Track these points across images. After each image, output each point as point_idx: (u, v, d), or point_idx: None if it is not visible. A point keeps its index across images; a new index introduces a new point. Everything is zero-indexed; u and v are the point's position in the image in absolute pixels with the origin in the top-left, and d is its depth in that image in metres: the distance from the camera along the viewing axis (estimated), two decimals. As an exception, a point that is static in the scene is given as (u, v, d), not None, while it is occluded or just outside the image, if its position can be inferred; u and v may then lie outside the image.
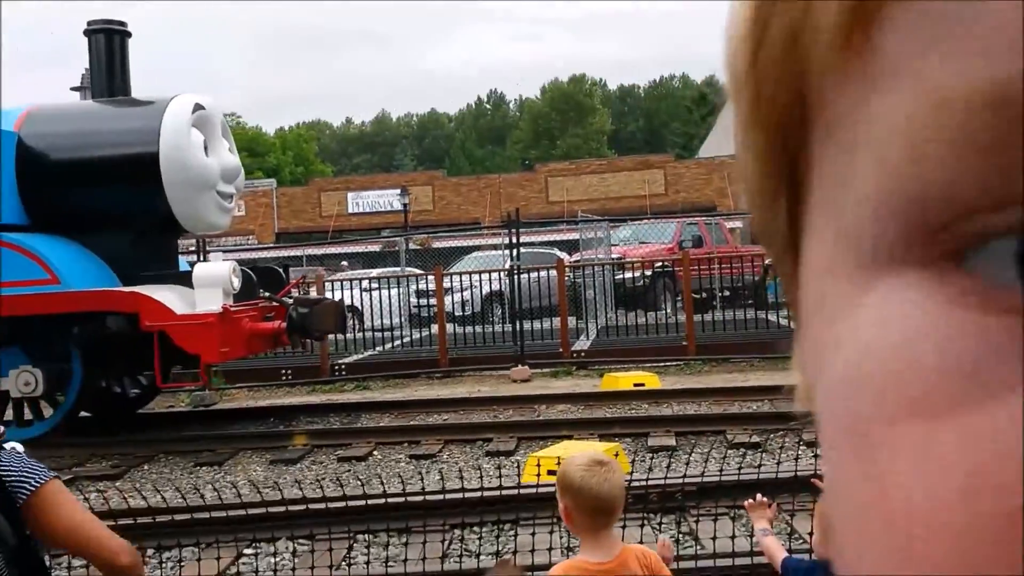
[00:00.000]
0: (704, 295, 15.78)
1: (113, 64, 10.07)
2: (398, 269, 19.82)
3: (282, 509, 6.07)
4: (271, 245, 29.96)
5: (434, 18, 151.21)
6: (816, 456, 6.77)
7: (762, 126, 0.27)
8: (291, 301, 9.98)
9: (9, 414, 9.62)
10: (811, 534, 3.52)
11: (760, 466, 6.50)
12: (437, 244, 25.93)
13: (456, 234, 26.04)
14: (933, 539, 0.21)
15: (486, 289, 16.44)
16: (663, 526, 5.69)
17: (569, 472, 2.55)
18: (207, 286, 9.09)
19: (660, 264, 17.00)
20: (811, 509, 4.53)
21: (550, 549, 5.07)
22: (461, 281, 16.16)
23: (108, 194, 9.52)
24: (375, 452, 8.73)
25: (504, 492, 6.02)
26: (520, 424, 9.27)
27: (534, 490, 5.78)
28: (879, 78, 0.22)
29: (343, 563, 5.58)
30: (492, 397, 11.13)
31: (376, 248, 28.55)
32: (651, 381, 11.39)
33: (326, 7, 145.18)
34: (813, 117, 0.25)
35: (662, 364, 13.16)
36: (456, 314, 15.77)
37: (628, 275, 16.62)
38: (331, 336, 12.51)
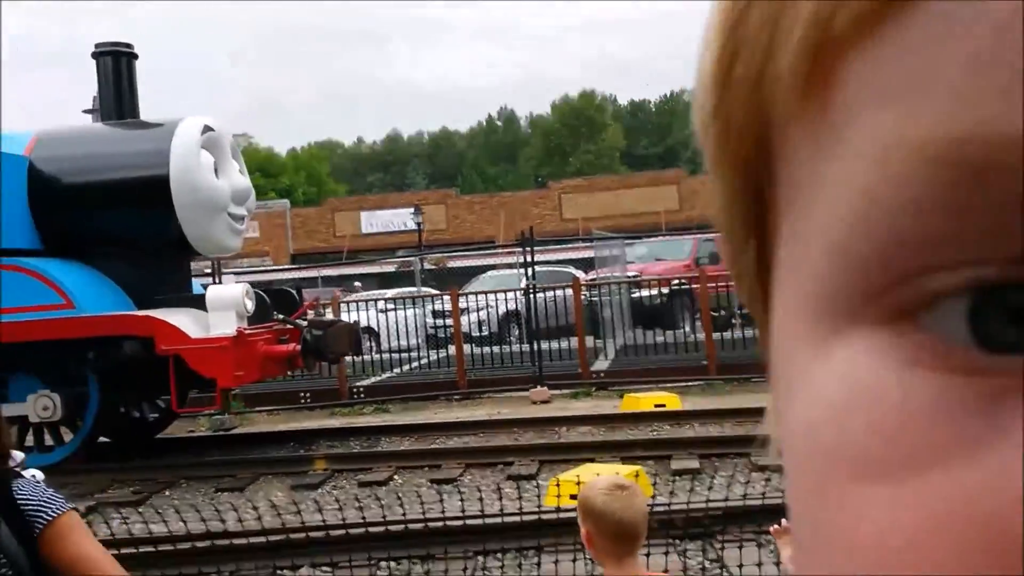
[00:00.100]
0: (723, 313, 15.60)
1: (121, 86, 10.05)
2: (414, 289, 19.75)
3: (302, 536, 5.95)
4: (286, 267, 29.97)
5: (441, 33, 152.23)
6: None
7: (729, 167, 0.26)
8: (305, 323, 9.90)
9: (29, 440, 9.57)
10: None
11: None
12: (452, 263, 25.87)
13: (471, 253, 25.97)
14: None
15: (502, 309, 16.31)
16: (688, 552, 5.54)
17: (590, 496, 2.49)
18: (221, 309, 9.02)
19: (677, 281, 16.84)
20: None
21: (574, 577, 4.93)
22: (477, 301, 16.01)
23: (120, 217, 9.48)
24: (396, 476, 8.63)
25: (525, 518, 5.88)
26: (541, 447, 9.14)
27: (555, 515, 5.65)
28: (835, 131, 0.22)
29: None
30: (512, 419, 11.00)
31: (391, 268, 28.54)
32: (672, 402, 11.23)
33: (331, 20, 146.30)
34: (778, 165, 0.25)
35: (683, 384, 12.98)
36: (473, 335, 15.65)
37: (645, 293, 16.48)
38: (348, 358, 12.43)
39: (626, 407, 11.34)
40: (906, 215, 0.20)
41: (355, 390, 13.82)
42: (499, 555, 5.79)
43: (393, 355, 15.53)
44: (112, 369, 9.22)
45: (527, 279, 15.11)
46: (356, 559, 5.54)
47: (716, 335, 13.98)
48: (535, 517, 5.81)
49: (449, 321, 14.99)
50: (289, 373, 11.20)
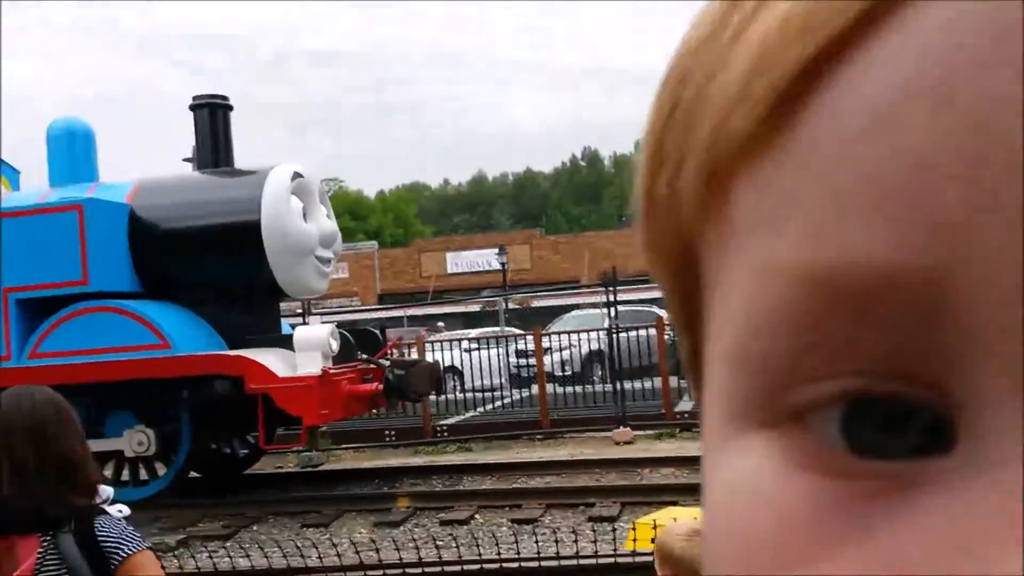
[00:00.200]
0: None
1: (217, 137, 10.50)
2: (498, 329, 19.86)
3: (379, 573, 6.03)
4: (373, 307, 30.48)
5: (523, 75, 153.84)
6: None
7: (661, 269, 0.27)
8: (387, 363, 10.07)
9: (125, 475, 9.94)
10: None
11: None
12: (536, 303, 25.95)
13: (554, 293, 26.02)
14: None
15: (586, 348, 16.27)
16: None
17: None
18: (307, 349, 9.26)
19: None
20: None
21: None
22: (560, 341, 16.02)
23: (214, 261, 9.85)
24: (477, 515, 8.66)
25: (600, 560, 5.85)
26: (623, 488, 9.09)
27: (631, 558, 5.60)
28: (729, 248, 0.23)
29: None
30: (594, 460, 10.95)
31: (476, 308, 28.75)
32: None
33: (416, 70, 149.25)
34: (700, 271, 0.26)
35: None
36: (556, 374, 15.64)
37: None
38: (432, 397, 12.56)
39: (710, 448, 11.15)
40: (778, 333, 0.21)
41: (439, 429, 13.93)
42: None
43: (477, 394, 15.63)
44: (204, 407, 9.53)
45: (610, 319, 15.07)
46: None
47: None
48: (611, 560, 5.78)
49: (532, 361, 15.03)
50: (374, 411, 11.38)
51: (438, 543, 7.19)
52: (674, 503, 8.09)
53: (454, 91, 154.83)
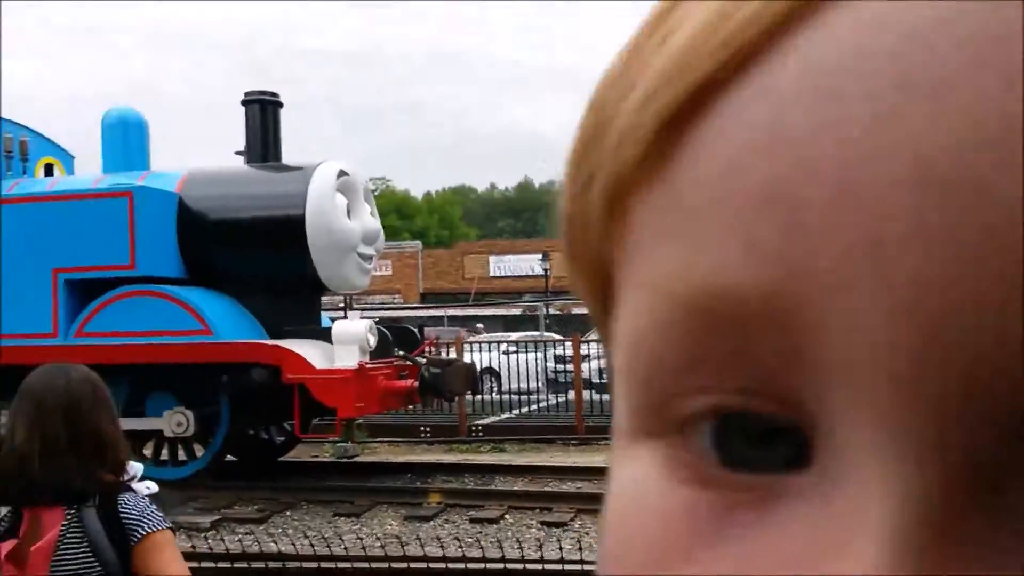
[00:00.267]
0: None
1: (267, 132, 10.67)
2: (537, 333, 19.88)
3: (404, 566, 6.09)
4: (414, 305, 30.66)
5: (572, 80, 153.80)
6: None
7: (580, 277, 0.28)
8: (424, 361, 10.15)
9: (164, 455, 10.17)
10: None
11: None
12: (576, 310, 25.93)
13: (596, 300, 25.93)
14: None
15: (624, 356, 16.21)
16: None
17: None
18: (345, 343, 9.37)
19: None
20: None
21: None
22: (599, 348, 15.99)
23: (258, 252, 10.01)
24: (507, 516, 8.69)
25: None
26: (653, 496, 9.04)
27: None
28: (625, 265, 0.24)
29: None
30: (626, 466, 10.91)
31: (517, 312, 28.80)
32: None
33: (468, 72, 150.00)
34: (611, 285, 0.26)
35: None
36: (593, 381, 15.64)
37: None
38: (469, 396, 12.62)
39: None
40: (657, 350, 0.22)
41: (474, 428, 13.99)
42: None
43: (513, 396, 15.65)
44: (242, 393, 9.68)
45: (649, 327, 15.02)
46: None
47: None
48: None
49: (570, 366, 15.03)
50: (410, 407, 11.46)
51: (463, 542, 7.23)
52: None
53: (505, 93, 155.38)
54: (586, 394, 14.61)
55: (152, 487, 2.39)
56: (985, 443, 0.18)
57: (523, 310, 28.59)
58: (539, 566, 6.02)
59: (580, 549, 6.19)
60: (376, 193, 11.30)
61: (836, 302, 0.19)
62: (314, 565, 6.09)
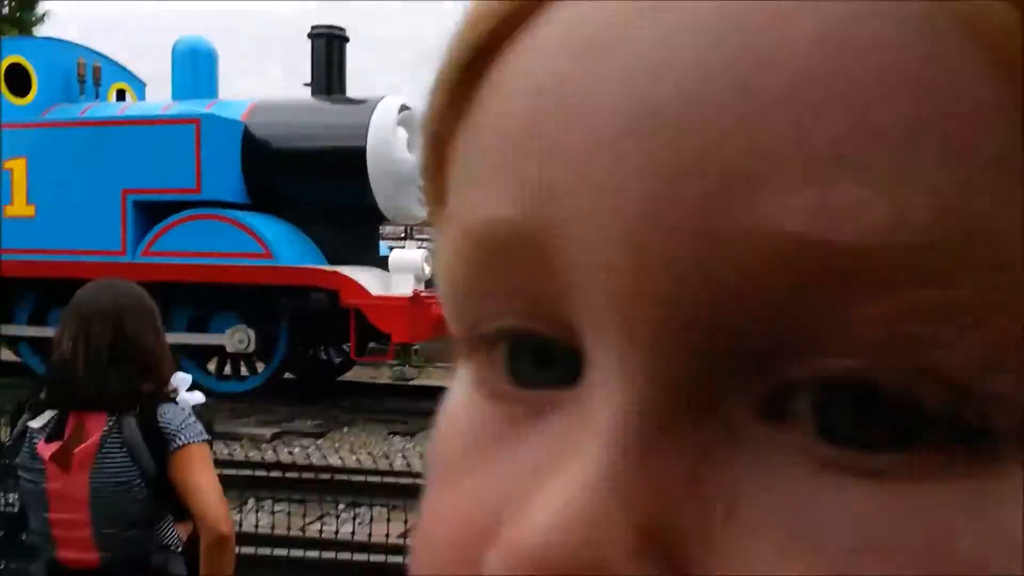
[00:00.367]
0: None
1: (331, 65, 10.99)
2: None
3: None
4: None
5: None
6: None
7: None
8: (478, 292, 10.50)
9: (227, 370, 10.78)
10: None
11: None
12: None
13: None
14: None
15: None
16: None
17: None
18: (401, 271, 9.80)
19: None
20: None
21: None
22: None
23: (319, 181, 10.40)
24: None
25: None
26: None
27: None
28: (446, 204, 0.26)
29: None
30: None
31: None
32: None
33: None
34: None
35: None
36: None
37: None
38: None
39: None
40: (458, 279, 0.25)
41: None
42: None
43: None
44: (301, 315, 10.17)
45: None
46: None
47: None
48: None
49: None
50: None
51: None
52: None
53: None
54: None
55: (199, 397, 2.48)
56: (699, 365, 0.20)
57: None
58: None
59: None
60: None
61: (578, 231, 0.21)
62: (365, 479, 6.36)
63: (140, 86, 12.38)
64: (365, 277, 9.88)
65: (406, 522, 5.65)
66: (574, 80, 0.21)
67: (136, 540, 2.35)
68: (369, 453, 7.32)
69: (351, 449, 8.16)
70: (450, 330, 0.27)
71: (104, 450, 2.33)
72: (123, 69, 12.16)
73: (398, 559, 4.93)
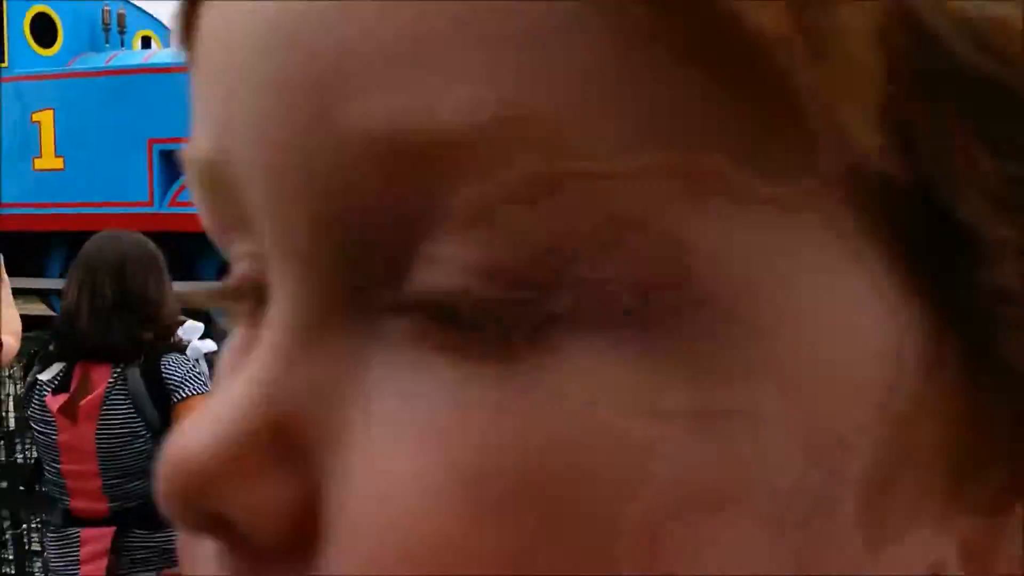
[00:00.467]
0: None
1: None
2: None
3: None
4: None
5: None
6: None
7: None
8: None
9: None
10: None
11: None
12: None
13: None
14: None
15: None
16: None
17: None
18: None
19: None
20: None
21: None
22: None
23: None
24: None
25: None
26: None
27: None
28: None
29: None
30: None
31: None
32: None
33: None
34: None
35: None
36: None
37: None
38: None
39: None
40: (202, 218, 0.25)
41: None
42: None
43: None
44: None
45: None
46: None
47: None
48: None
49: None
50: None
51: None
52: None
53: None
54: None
55: (211, 345, 2.49)
56: (342, 273, 0.20)
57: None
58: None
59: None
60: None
61: (239, 160, 0.21)
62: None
63: (165, 33, 12.33)
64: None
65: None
66: (232, 17, 0.22)
67: (144, 491, 2.36)
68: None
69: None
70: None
71: (109, 402, 2.36)
72: (148, 16, 12.08)
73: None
